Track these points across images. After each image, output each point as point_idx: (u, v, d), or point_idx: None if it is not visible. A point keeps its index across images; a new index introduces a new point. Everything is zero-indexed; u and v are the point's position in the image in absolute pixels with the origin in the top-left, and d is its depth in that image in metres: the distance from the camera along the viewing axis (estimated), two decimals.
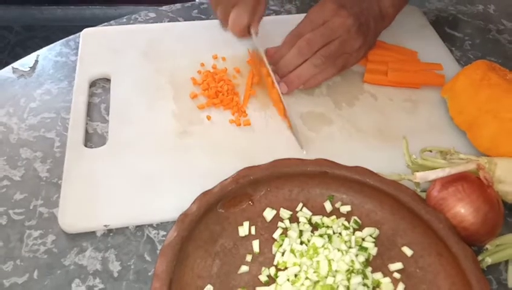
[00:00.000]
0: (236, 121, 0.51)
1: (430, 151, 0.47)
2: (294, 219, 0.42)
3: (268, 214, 0.42)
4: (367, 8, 0.50)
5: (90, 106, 0.52)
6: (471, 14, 0.67)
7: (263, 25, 0.60)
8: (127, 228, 0.43)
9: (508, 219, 0.45)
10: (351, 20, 0.49)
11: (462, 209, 0.40)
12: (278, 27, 0.55)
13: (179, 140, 0.49)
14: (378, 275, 0.39)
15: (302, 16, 0.54)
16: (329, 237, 0.40)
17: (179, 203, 0.41)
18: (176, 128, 0.50)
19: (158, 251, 0.41)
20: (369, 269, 0.40)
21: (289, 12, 0.65)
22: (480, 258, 0.41)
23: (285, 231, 0.42)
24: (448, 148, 0.46)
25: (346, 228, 0.41)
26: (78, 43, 0.58)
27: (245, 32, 0.51)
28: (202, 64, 0.56)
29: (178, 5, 0.65)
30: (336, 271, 0.38)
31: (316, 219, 0.42)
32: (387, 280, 0.39)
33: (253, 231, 0.41)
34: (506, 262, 0.42)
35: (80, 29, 0.59)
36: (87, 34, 0.59)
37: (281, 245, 0.40)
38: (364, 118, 0.52)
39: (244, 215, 0.42)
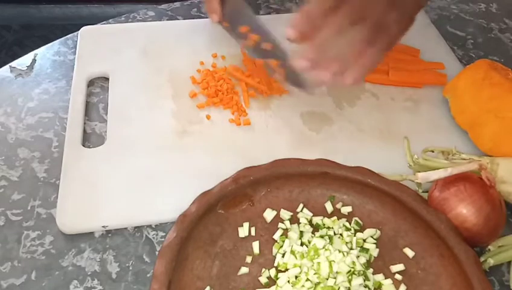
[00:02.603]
0: (236, 120, 0.50)
1: (432, 151, 0.47)
2: (294, 219, 0.42)
3: (269, 214, 0.42)
4: None
5: (88, 106, 0.52)
6: (473, 12, 0.67)
7: (264, 24, 0.59)
8: (126, 228, 0.42)
9: (511, 219, 0.45)
10: None
11: (464, 210, 0.39)
12: (278, 25, 0.55)
13: (178, 140, 0.48)
14: (379, 277, 0.39)
15: None
16: (330, 238, 0.40)
17: (178, 203, 0.41)
18: (175, 127, 0.49)
19: (157, 252, 0.41)
20: (371, 270, 0.39)
21: (289, 11, 0.64)
22: (482, 259, 0.40)
23: (285, 232, 0.41)
24: (450, 148, 0.46)
25: (347, 229, 0.41)
26: (76, 41, 0.57)
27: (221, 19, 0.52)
28: (202, 63, 0.56)
29: (177, 4, 0.64)
30: (337, 273, 0.38)
31: (317, 219, 0.42)
32: (389, 281, 0.39)
33: (253, 232, 0.41)
34: (509, 263, 0.41)
35: (78, 27, 0.59)
36: (85, 32, 0.58)
37: (281, 246, 0.40)
38: (366, 118, 0.52)
39: (244, 216, 0.42)
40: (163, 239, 0.41)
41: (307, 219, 0.42)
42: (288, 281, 0.38)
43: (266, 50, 0.51)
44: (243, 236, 0.41)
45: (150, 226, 0.43)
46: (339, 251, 0.39)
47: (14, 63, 0.56)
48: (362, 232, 0.41)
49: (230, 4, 0.54)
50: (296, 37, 0.40)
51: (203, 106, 0.51)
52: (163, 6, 0.64)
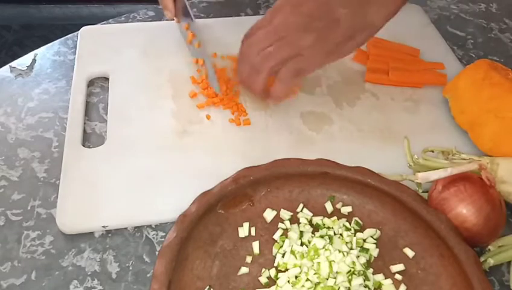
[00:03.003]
0: (236, 120, 0.50)
1: (432, 151, 0.47)
2: (294, 219, 0.42)
3: (269, 214, 0.42)
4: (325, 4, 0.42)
5: (88, 105, 0.51)
6: (473, 12, 0.67)
7: None
8: (126, 228, 0.42)
9: (511, 219, 0.45)
10: (294, 17, 0.42)
11: (464, 210, 0.39)
12: None
13: (178, 140, 0.48)
14: (379, 277, 0.39)
15: None
16: (330, 238, 0.40)
17: (178, 203, 0.41)
18: (175, 127, 0.49)
19: (157, 252, 0.41)
20: (371, 270, 0.39)
21: None
22: (482, 259, 0.40)
23: (285, 232, 0.41)
24: (450, 148, 0.46)
25: (347, 229, 0.41)
26: (76, 41, 0.57)
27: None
28: (202, 63, 0.56)
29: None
30: (337, 273, 0.38)
31: (317, 219, 0.42)
32: (389, 281, 0.39)
33: (253, 232, 0.41)
34: (509, 263, 0.41)
35: (78, 27, 0.59)
36: (85, 32, 0.58)
37: (281, 246, 0.40)
38: (366, 118, 0.52)
39: (244, 216, 0.42)
40: (163, 239, 0.41)
41: (307, 219, 0.42)
42: (288, 281, 0.38)
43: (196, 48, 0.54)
44: (243, 236, 0.41)
45: (150, 226, 0.43)
46: (339, 251, 0.39)
47: (14, 63, 0.56)
48: (362, 232, 0.41)
49: (179, 1, 0.56)
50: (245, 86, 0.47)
51: (203, 105, 0.51)
52: None
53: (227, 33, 0.59)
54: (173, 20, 0.57)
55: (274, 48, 0.43)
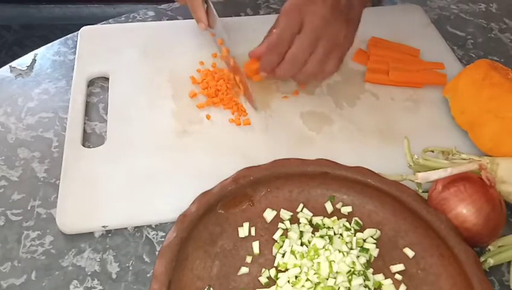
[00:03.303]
0: (236, 120, 0.50)
1: (432, 151, 0.47)
2: (294, 219, 0.42)
3: (269, 215, 0.42)
4: None
5: (88, 105, 0.51)
6: (473, 12, 0.67)
7: (264, 25, 0.59)
8: (126, 228, 0.42)
9: (511, 219, 0.45)
10: (326, 11, 0.46)
11: (464, 210, 0.39)
12: None
13: (178, 140, 0.48)
14: (379, 277, 0.39)
15: None
16: (330, 238, 0.40)
17: (178, 203, 0.41)
18: (175, 127, 0.49)
19: (157, 252, 0.41)
20: (371, 270, 0.39)
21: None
22: (482, 259, 0.40)
23: (285, 232, 0.41)
24: (450, 148, 0.46)
25: (347, 229, 0.41)
26: (76, 42, 0.57)
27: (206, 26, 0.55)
28: (201, 63, 0.56)
29: (177, 4, 0.64)
30: (337, 273, 0.38)
31: (317, 219, 0.42)
32: (389, 281, 0.39)
33: (253, 232, 0.41)
34: (509, 263, 0.41)
35: (78, 27, 0.59)
36: (85, 32, 0.58)
37: (281, 246, 0.40)
38: (366, 118, 0.52)
39: (244, 216, 0.42)
40: (163, 239, 0.41)
41: (307, 219, 0.42)
42: (288, 281, 0.38)
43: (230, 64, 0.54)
44: (243, 236, 0.41)
45: (150, 226, 0.43)
46: (339, 251, 0.39)
47: (14, 63, 0.56)
48: (362, 232, 0.41)
49: (211, 12, 0.56)
50: (266, 70, 0.49)
51: (203, 105, 0.51)
52: (163, 6, 0.64)
53: (228, 33, 0.59)
54: (206, 30, 0.56)
55: (319, 48, 0.47)
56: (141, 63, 0.55)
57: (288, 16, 0.47)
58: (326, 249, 0.39)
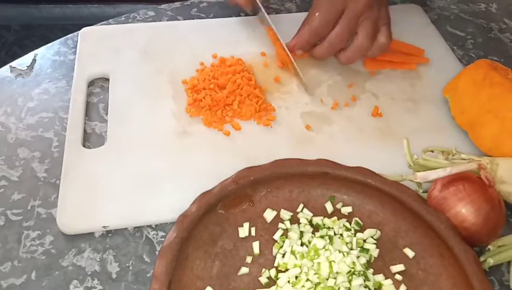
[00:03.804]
0: (236, 126, 0.50)
1: (432, 151, 0.47)
2: (294, 220, 0.42)
3: (269, 215, 0.42)
4: None
5: (88, 106, 0.51)
6: (473, 12, 0.67)
7: (264, 23, 0.59)
8: (126, 228, 0.42)
9: (510, 219, 0.45)
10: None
11: (463, 209, 0.39)
12: (278, 25, 0.55)
13: (179, 140, 0.48)
14: (379, 277, 0.39)
15: (302, 14, 0.53)
16: (330, 238, 0.40)
17: (178, 203, 0.41)
18: (176, 128, 0.49)
19: (157, 252, 0.41)
20: (371, 270, 0.39)
21: (289, 11, 0.64)
22: (482, 259, 0.40)
23: (285, 232, 0.41)
24: (450, 148, 0.46)
25: (348, 229, 0.41)
26: (77, 42, 0.57)
27: (249, 2, 0.56)
28: (202, 64, 0.56)
29: (177, 4, 0.64)
30: (337, 273, 0.38)
31: (317, 220, 0.42)
32: (389, 281, 0.39)
33: (253, 232, 0.41)
34: (509, 263, 0.42)
35: (78, 28, 0.59)
36: (85, 32, 0.58)
37: (281, 246, 0.40)
38: (366, 118, 0.52)
39: (244, 216, 0.42)
40: (163, 239, 0.41)
41: (307, 219, 0.42)
42: (289, 281, 0.38)
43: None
44: (243, 236, 0.41)
45: (150, 226, 0.43)
46: (339, 251, 0.39)
47: (14, 63, 0.56)
48: (362, 232, 0.41)
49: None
50: (302, 47, 0.53)
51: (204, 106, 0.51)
52: (163, 6, 0.64)
53: (228, 33, 0.59)
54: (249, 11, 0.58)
55: (366, 25, 0.50)
56: (141, 63, 0.55)
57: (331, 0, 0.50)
58: (326, 250, 0.39)
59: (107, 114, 0.50)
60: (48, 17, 1.45)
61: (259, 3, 0.55)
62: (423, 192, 0.43)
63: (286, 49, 0.53)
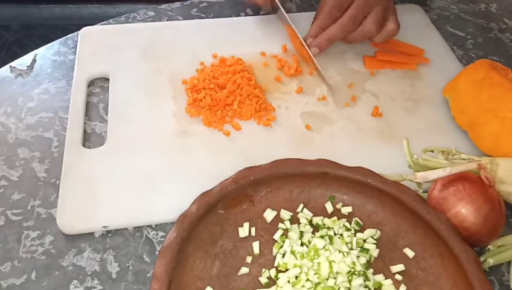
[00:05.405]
0: (236, 126, 0.50)
1: (432, 151, 0.47)
2: (294, 220, 0.42)
3: (269, 215, 0.42)
4: None
5: (88, 106, 0.51)
6: (473, 12, 0.67)
7: (264, 25, 0.60)
8: (126, 228, 0.42)
9: (510, 219, 0.45)
10: None
11: (463, 209, 0.39)
12: (278, 26, 0.55)
13: (179, 140, 0.48)
14: (379, 277, 0.39)
15: (302, 14, 0.53)
16: (330, 238, 0.40)
17: (178, 203, 0.41)
18: (176, 128, 0.49)
19: (157, 252, 0.41)
20: (371, 270, 0.39)
21: (289, 11, 0.64)
22: (482, 259, 0.40)
23: (285, 232, 0.41)
24: (450, 148, 0.46)
25: (348, 229, 0.41)
26: (77, 42, 0.57)
27: (268, 2, 0.57)
28: (202, 64, 0.56)
29: (177, 4, 0.64)
30: (337, 273, 0.38)
31: (317, 220, 0.42)
32: (389, 281, 0.39)
33: (253, 232, 0.41)
34: (509, 263, 0.42)
35: (78, 28, 0.59)
36: (85, 32, 0.58)
37: (281, 246, 0.40)
38: (366, 118, 0.52)
39: (244, 216, 0.42)
40: (163, 239, 0.41)
41: (307, 219, 0.42)
42: (289, 281, 0.38)
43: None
44: (243, 236, 0.41)
45: (150, 226, 0.43)
46: (339, 251, 0.39)
47: (14, 63, 0.56)
48: (362, 232, 0.41)
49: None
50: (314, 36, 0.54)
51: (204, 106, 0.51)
52: (163, 6, 0.64)
53: (228, 33, 0.59)
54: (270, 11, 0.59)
55: (376, 11, 0.53)
56: (141, 64, 0.55)
57: None
58: (326, 250, 0.39)
59: (107, 114, 0.50)
60: (48, 17, 1.45)
61: (278, 3, 0.56)
62: (423, 192, 0.43)
63: (306, 46, 0.54)
